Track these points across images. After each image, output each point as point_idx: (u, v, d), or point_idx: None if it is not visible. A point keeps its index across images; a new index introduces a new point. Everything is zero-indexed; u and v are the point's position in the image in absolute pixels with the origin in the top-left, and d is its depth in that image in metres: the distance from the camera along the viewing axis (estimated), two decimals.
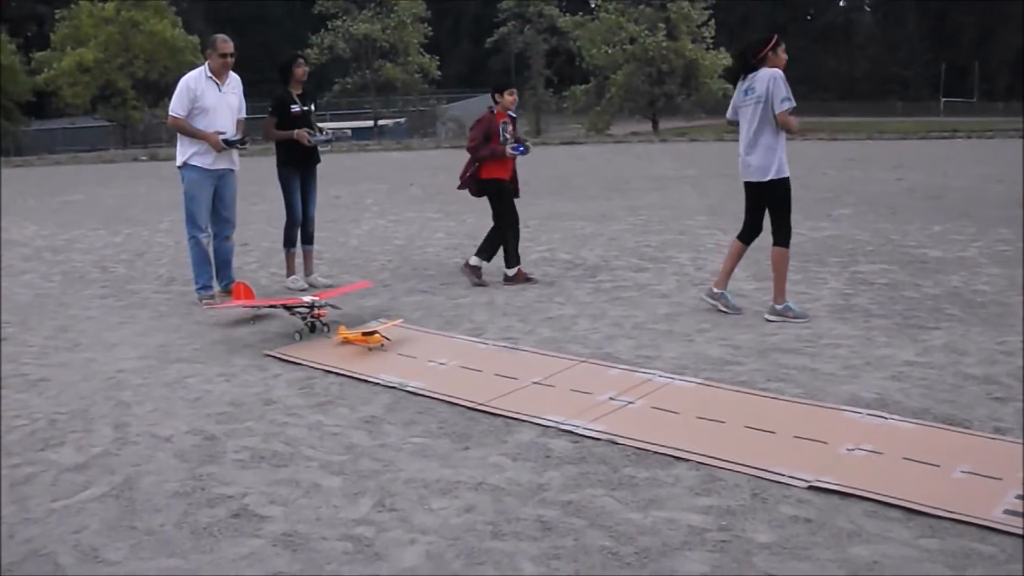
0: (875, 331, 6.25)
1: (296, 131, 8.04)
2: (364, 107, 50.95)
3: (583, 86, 47.52)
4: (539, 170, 17.69)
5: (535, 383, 5.31)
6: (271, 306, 7.14)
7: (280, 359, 6.04)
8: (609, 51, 44.22)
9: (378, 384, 5.43)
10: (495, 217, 8.36)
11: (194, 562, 3.34)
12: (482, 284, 8.16)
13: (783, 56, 6.58)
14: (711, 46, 44.61)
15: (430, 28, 50.40)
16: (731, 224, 11.13)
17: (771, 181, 6.55)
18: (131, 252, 11.08)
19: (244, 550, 3.42)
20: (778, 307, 6.65)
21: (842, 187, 15.47)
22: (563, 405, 4.90)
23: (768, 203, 6.67)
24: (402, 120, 50.97)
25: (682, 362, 5.65)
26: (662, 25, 43.57)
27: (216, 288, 7.98)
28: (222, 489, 3.97)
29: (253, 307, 7.24)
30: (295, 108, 8.16)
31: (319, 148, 8.35)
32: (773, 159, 6.51)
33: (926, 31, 66.99)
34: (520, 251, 8.41)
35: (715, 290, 6.93)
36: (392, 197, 16.67)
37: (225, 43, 7.69)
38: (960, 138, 30.72)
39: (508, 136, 8.22)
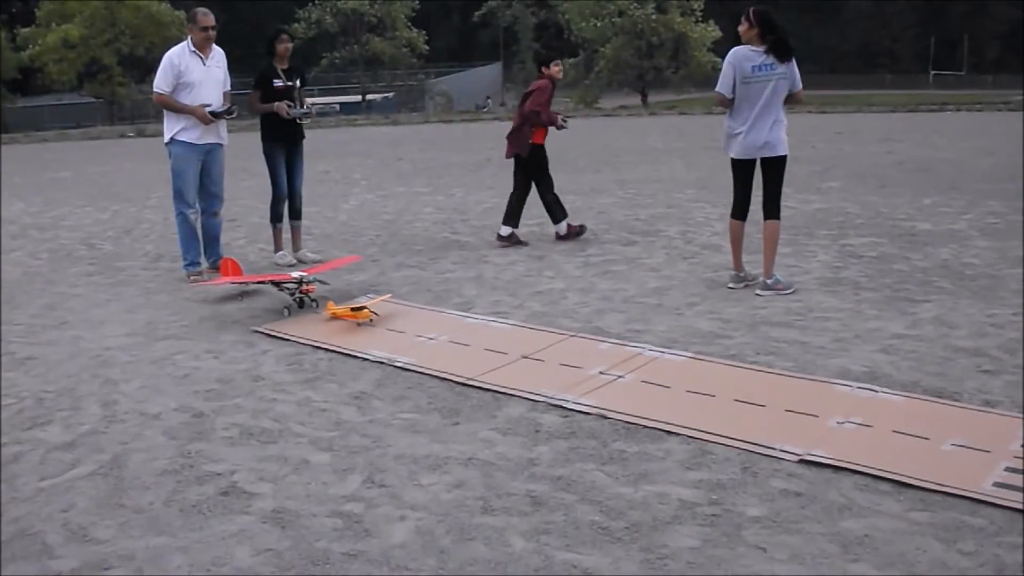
0: (865, 304, 6.26)
1: (276, 104, 7.98)
2: (352, 82, 50.68)
3: (572, 59, 47.25)
4: None
5: (524, 357, 5.30)
6: (259, 282, 7.11)
7: (268, 335, 6.02)
8: (598, 24, 43.91)
9: (367, 360, 5.41)
10: (527, 182, 8.81)
11: (183, 540, 3.33)
12: (520, 243, 8.80)
13: None
14: (700, 19, 44.36)
15: (418, 2, 50.06)
16: (720, 198, 11.10)
17: (784, 155, 6.56)
18: (119, 229, 11.00)
19: (234, 527, 3.41)
20: (768, 280, 6.64)
21: (831, 160, 15.44)
22: (553, 379, 4.89)
23: (773, 177, 6.59)
24: (390, 94, 50.66)
25: (672, 336, 5.65)
26: None
27: (204, 264, 7.94)
28: (211, 466, 3.96)
29: (241, 283, 7.21)
30: (278, 82, 8.08)
31: (299, 121, 8.28)
32: (784, 133, 6.55)
33: (916, 4, 66.74)
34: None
35: (740, 274, 6.87)
36: (381, 172, 16.58)
37: (206, 16, 7.60)
38: (949, 111, 30.68)
39: None
